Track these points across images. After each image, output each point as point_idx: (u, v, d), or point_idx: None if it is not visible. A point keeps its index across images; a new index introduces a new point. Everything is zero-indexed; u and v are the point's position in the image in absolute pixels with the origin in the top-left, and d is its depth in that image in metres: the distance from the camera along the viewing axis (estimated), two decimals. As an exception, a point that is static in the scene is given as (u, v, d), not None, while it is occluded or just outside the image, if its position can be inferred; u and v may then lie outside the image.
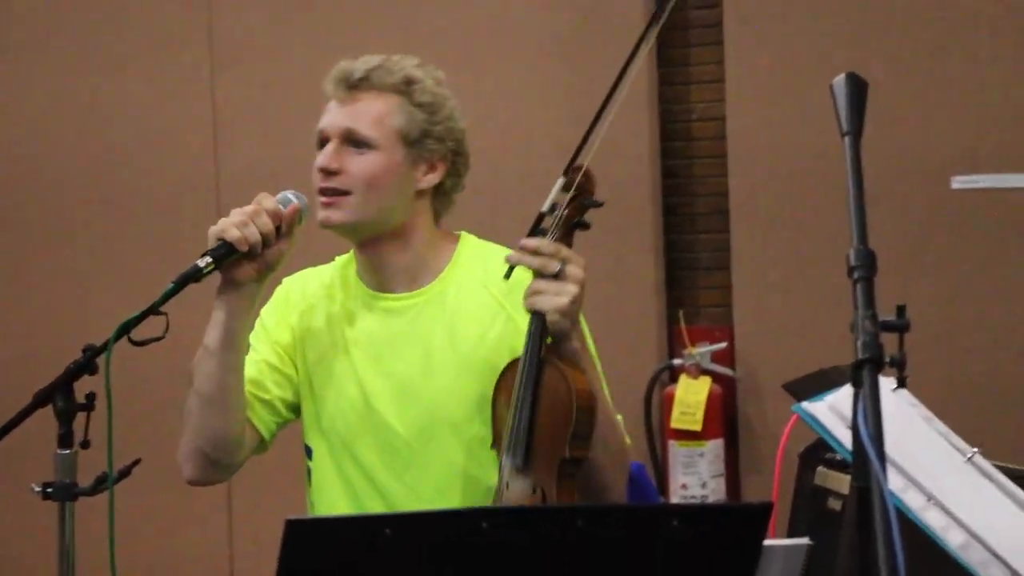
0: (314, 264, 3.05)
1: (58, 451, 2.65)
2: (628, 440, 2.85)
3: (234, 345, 2.80)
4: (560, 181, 2.67)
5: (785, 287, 4.83)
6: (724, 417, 4.89)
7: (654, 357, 4.98)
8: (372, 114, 2.85)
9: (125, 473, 2.66)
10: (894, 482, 2.22)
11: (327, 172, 2.84)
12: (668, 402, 4.89)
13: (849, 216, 1.97)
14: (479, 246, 2.96)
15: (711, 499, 4.81)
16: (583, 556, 1.96)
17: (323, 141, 2.87)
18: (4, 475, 5.25)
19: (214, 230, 2.73)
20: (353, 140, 2.84)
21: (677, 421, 4.85)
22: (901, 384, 2.35)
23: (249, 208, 2.75)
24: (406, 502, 2.86)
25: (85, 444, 2.65)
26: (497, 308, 2.81)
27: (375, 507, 2.88)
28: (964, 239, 4.65)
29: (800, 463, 3.25)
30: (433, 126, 2.86)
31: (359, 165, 2.83)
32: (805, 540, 2.12)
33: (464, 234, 2.99)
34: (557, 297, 2.62)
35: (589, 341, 2.83)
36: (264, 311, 2.97)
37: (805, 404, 2.36)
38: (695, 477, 4.84)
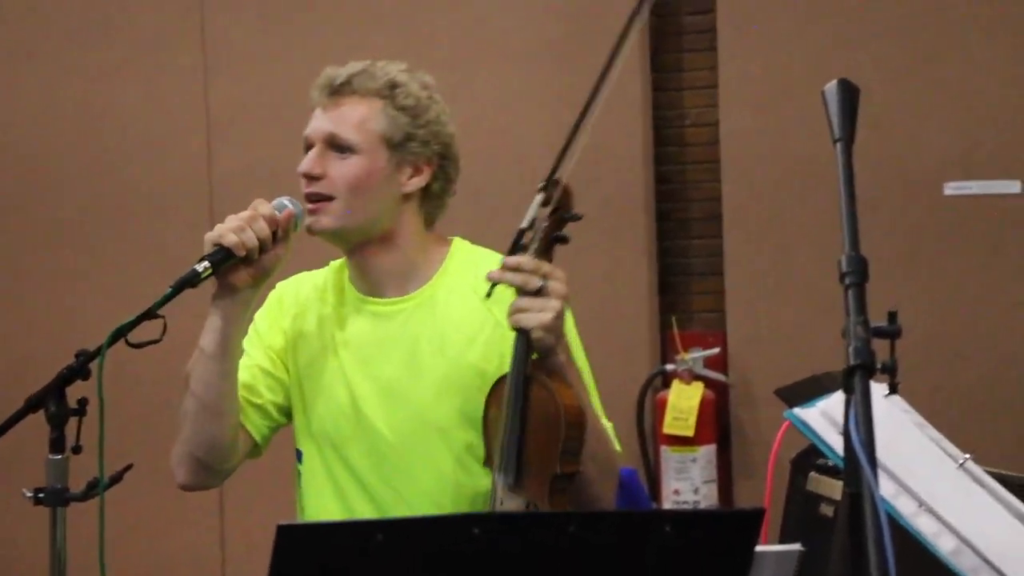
0: (308, 269, 3.05)
1: (50, 456, 2.65)
2: (618, 447, 2.84)
3: (229, 351, 2.80)
4: (538, 197, 2.66)
5: (778, 293, 4.83)
6: (716, 422, 4.90)
7: (647, 362, 4.98)
8: (354, 118, 2.85)
9: (117, 478, 2.65)
10: (886, 488, 2.23)
11: (310, 177, 2.84)
12: (661, 407, 4.89)
13: (841, 222, 1.97)
14: (471, 252, 2.96)
15: (703, 505, 4.81)
16: (575, 563, 1.96)
17: (308, 147, 2.88)
18: (-4, 479, 5.24)
19: (211, 236, 2.73)
20: (335, 145, 2.85)
21: (670, 426, 4.85)
22: (893, 390, 2.35)
23: (246, 213, 2.76)
24: (395, 507, 2.86)
25: (77, 449, 2.64)
26: (487, 314, 2.81)
27: (364, 511, 2.88)
28: (956, 246, 4.66)
29: (792, 469, 3.24)
30: (417, 129, 2.86)
31: (341, 169, 2.84)
32: (797, 546, 2.12)
33: (456, 239, 2.98)
34: (541, 314, 2.61)
35: (580, 351, 2.83)
36: (258, 315, 2.97)
37: (797, 410, 2.36)
38: (687, 482, 4.84)
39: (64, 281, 5.56)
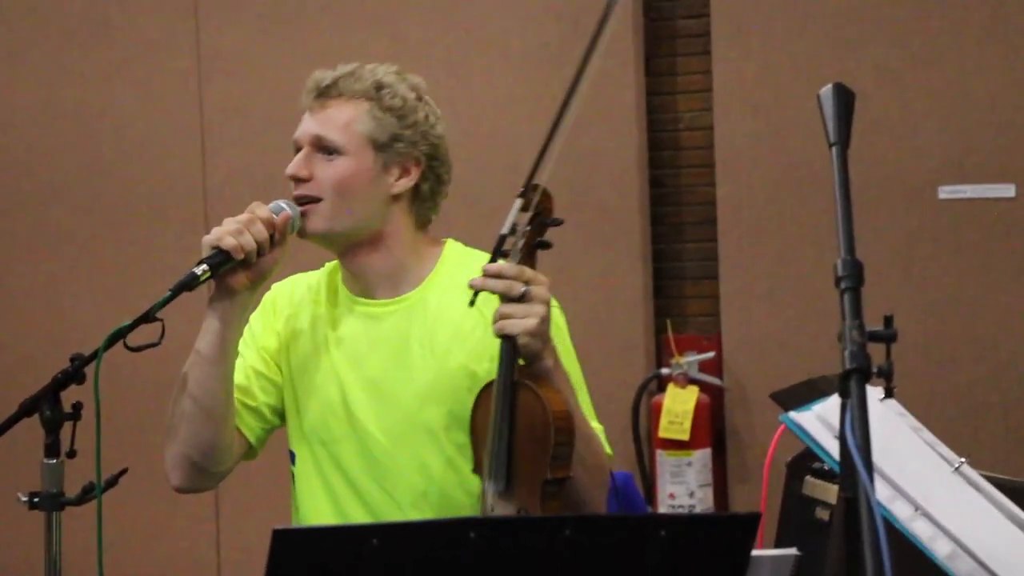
0: (303, 272, 3.06)
1: (44, 461, 2.64)
2: (608, 450, 2.84)
3: (226, 354, 2.81)
4: (517, 202, 2.66)
5: (773, 297, 4.83)
6: (712, 426, 4.90)
7: (642, 366, 4.98)
8: (340, 120, 2.86)
9: (112, 483, 2.65)
10: (882, 492, 2.22)
11: (297, 179, 2.85)
12: (656, 411, 4.89)
13: (836, 226, 1.97)
14: (464, 253, 2.96)
15: (699, 509, 4.81)
16: (570, 567, 1.96)
17: (297, 150, 2.90)
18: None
19: (208, 239, 2.74)
20: (322, 147, 2.86)
21: (665, 430, 4.85)
22: (889, 394, 2.35)
23: (243, 217, 2.76)
24: (386, 507, 2.86)
25: (72, 454, 2.64)
26: (478, 316, 2.81)
27: (357, 513, 2.88)
28: (951, 249, 4.66)
29: (788, 473, 3.24)
30: (404, 130, 2.87)
31: (328, 171, 2.85)
32: (793, 550, 2.12)
33: (449, 241, 2.99)
34: (525, 319, 2.61)
35: (571, 356, 2.84)
36: (252, 317, 2.97)
37: (793, 414, 2.36)
38: (683, 487, 4.84)
39: (59, 284, 5.56)
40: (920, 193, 4.67)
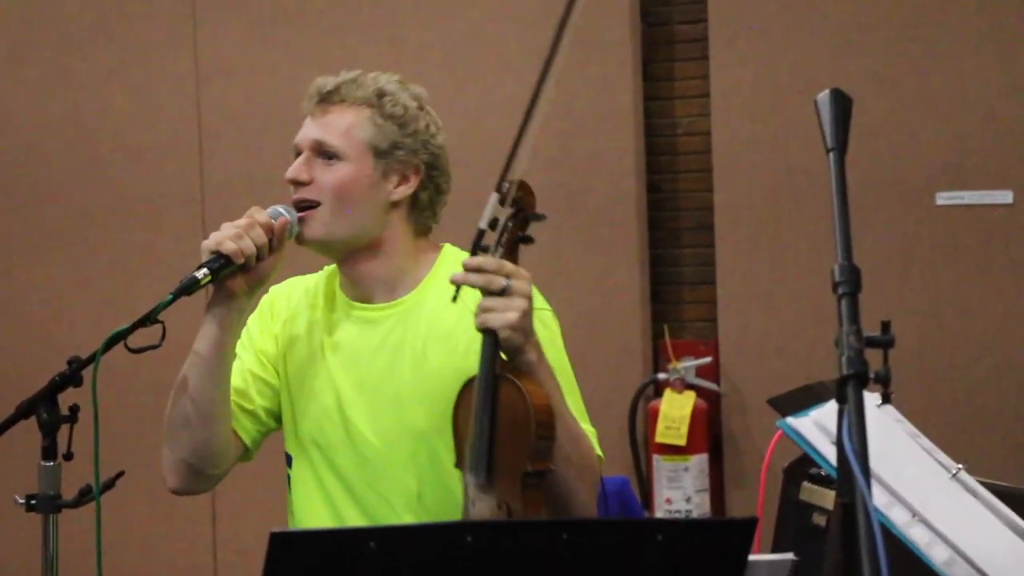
0: (301, 275, 3.06)
1: (42, 463, 2.64)
2: (599, 452, 2.84)
3: (223, 357, 2.81)
4: (494, 196, 2.66)
5: (770, 302, 4.83)
6: (709, 432, 4.90)
7: (639, 371, 4.98)
8: (341, 126, 2.87)
9: (109, 485, 2.65)
10: (879, 498, 2.23)
11: (297, 183, 2.86)
12: (653, 416, 4.89)
13: (834, 231, 1.97)
14: (460, 257, 2.96)
15: (696, 514, 4.81)
16: (567, 571, 1.96)
17: (298, 155, 2.91)
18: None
19: (208, 243, 2.74)
20: (322, 151, 2.87)
21: (662, 435, 4.85)
22: (886, 400, 2.35)
23: (242, 221, 2.77)
24: (381, 510, 2.87)
25: (69, 456, 2.64)
26: (471, 318, 2.81)
27: (352, 516, 2.89)
28: (948, 255, 4.66)
29: (785, 478, 3.24)
30: (404, 138, 2.88)
31: (327, 176, 2.86)
32: (790, 556, 2.12)
33: (446, 245, 3.00)
34: (506, 313, 2.61)
35: (561, 355, 2.84)
36: (250, 320, 2.98)
37: (790, 419, 2.36)
38: (680, 492, 4.84)
39: (56, 286, 5.55)
40: (917, 199, 4.67)
